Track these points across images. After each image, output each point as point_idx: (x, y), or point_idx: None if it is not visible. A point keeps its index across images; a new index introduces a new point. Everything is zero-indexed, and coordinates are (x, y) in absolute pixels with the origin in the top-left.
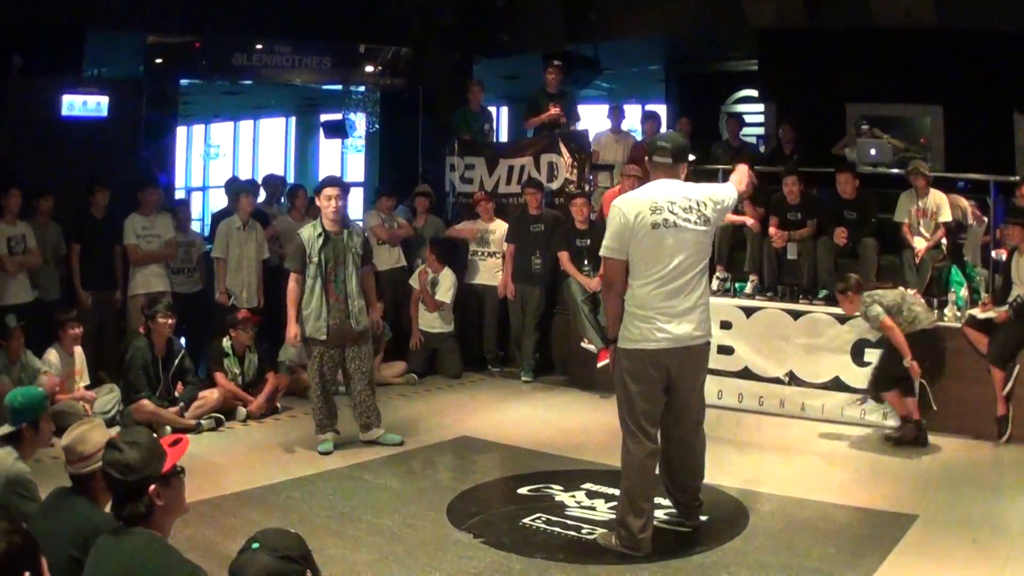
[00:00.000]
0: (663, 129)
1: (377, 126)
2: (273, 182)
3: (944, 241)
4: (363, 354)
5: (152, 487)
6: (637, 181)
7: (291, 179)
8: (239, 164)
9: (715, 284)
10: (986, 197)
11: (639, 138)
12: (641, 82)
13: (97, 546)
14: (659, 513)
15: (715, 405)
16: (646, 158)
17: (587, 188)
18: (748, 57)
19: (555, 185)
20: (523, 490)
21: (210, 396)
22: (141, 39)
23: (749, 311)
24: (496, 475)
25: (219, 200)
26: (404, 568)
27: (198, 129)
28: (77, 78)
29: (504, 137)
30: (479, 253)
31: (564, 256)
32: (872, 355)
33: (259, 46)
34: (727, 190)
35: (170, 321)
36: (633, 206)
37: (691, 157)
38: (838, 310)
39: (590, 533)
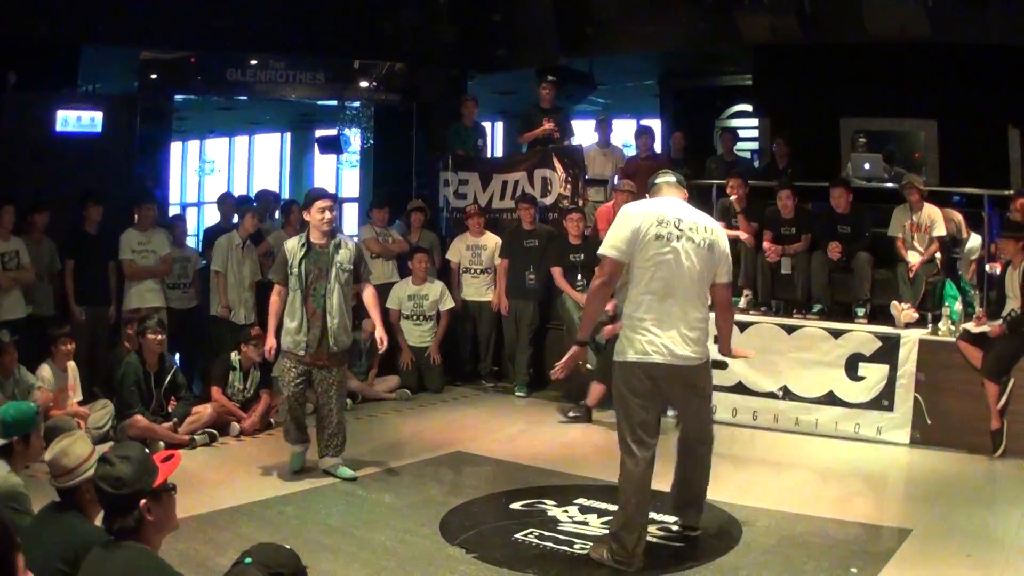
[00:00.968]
0: (657, 144)
1: (372, 141)
2: (266, 198)
3: (938, 255)
4: (333, 378)
5: (143, 501)
6: (631, 196)
7: (286, 195)
8: (234, 180)
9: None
10: (980, 211)
11: (632, 153)
12: (635, 97)
13: (88, 560)
14: (652, 528)
15: None
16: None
17: (580, 203)
18: (742, 72)
19: (549, 200)
20: (516, 505)
21: (203, 411)
22: (136, 55)
23: (743, 326)
24: (489, 490)
25: (214, 216)
26: None
27: (193, 145)
28: (72, 94)
29: (498, 152)
30: (471, 269)
31: (557, 272)
32: (866, 369)
33: (253, 62)
34: (726, 245)
35: (160, 337)
36: (643, 214)
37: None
38: (832, 324)
39: (583, 548)
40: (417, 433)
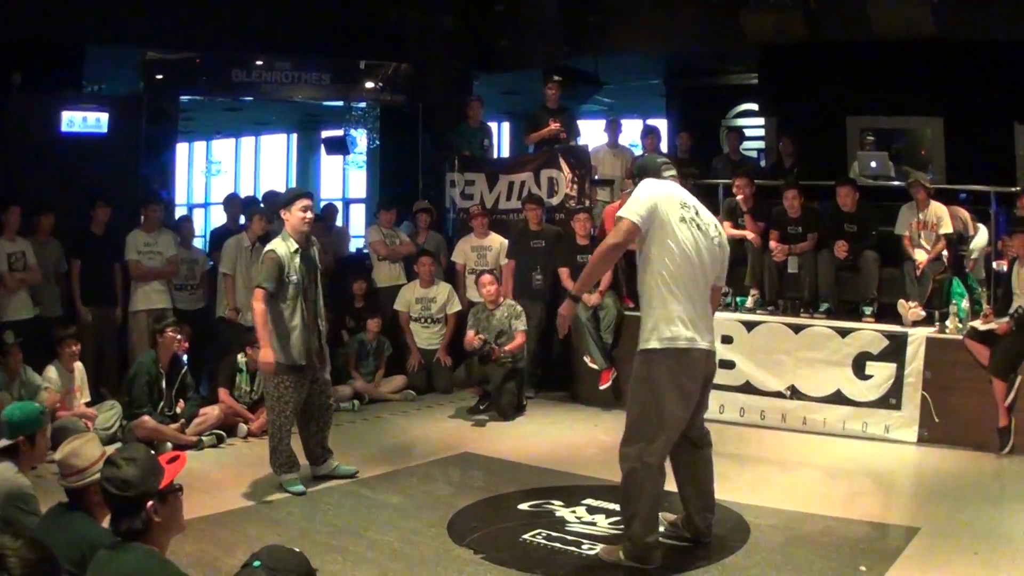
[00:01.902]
0: (663, 143)
1: (378, 142)
2: (273, 199)
3: (945, 253)
4: (326, 379)
5: (149, 503)
6: None
7: None
8: (240, 181)
9: None
10: (987, 208)
11: (638, 152)
12: (641, 96)
13: (95, 561)
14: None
15: (717, 420)
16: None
17: (587, 203)
18: (748, 71)
19: (555, 201)
20: (524, 506)
21: (211, 412)
22: (141, 55)
23: (750, 325)
24: (497, 491)
25: (221, 217)
26: None
27: (199, 146)
28: (77, 94)
29: (504, 153)
30: (477, 271)
31: (564, 272)
32: (873, 368)
33: (259, 62)
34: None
35: (179, 336)
36: (667, 194)
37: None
38: (839, 323)
39: (591, 549)
40: (424, 434)
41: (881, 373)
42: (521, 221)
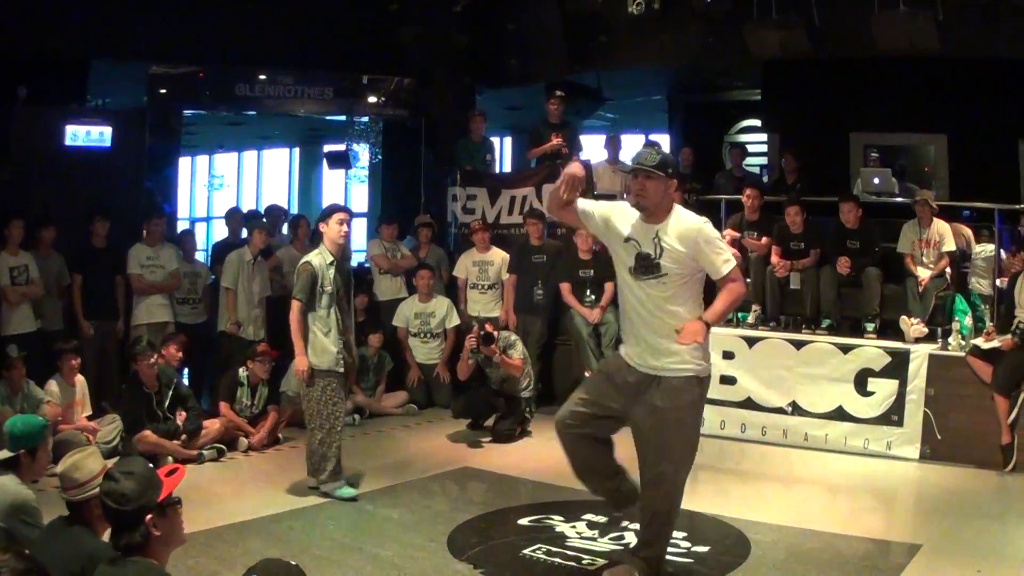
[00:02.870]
0: None
1: (380, 157)
2: (275, 213)
3: (948, 270)
4: (350, 389)
5: (149, 517)
6: None
7: (295, 210)
8: (243, 195)
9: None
10: (991, 225)
11: None
12: (644, 112)
13: (97, 574)
14: None
15: (718, 435)
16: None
17: None
18: (751, 87)
19: None
20: (524, 521)
21: (212, 426)
22: (144, 69)
23: (752, 341)
24: (496, 505)
25: (223, 231)
26: None
27: (202, 160)
28: (81, 108)
29: (507, 168)
30: (478, 285)
31: (565, 288)
32: (875, 384)
33: (262, 77)
34: None
35: (151, 359)
36: None
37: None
38: (841, 339)
39: (591, 564)
40: (424, 448)
41: (883, 390)
42: (522, 236)
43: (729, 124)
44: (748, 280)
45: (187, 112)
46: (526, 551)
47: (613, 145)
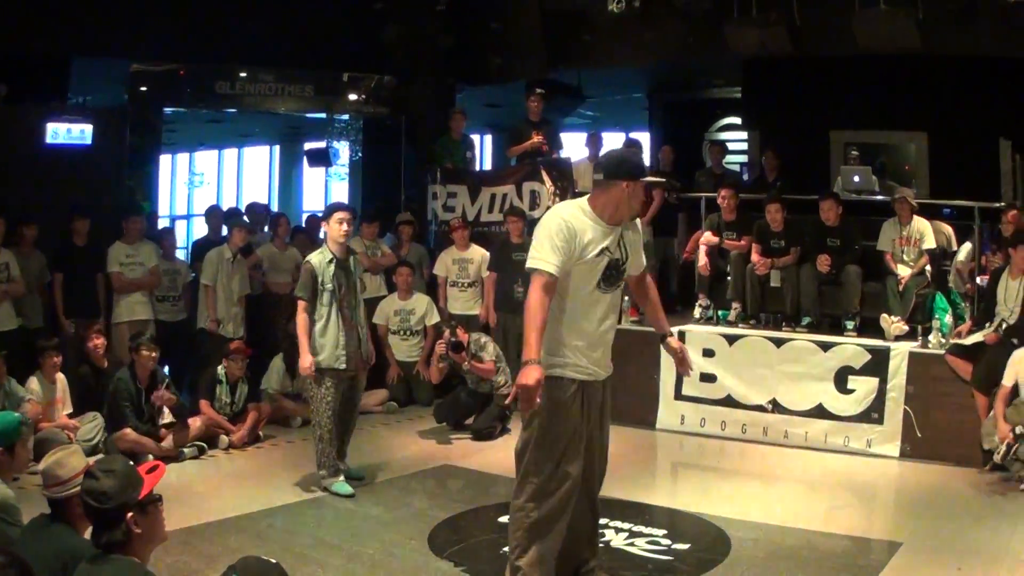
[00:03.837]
0: (646, 157)
1: (360, 154)
2: (255, 211)
3: (928, 268)
4: (362, 385)
5: (129, 514)
6: None
7: (275, 207)
8: (223, 192)
9: (697, 312)
10: (971, 223)
11: None
12: (624, 110)
13: (76, 574)
14: (640, 541)
15: (698, 433)
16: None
17: None
18: (732, 85)
19: (537, 213)
20: (504, 518)
21: (193, 424)
22: (126, 67)
23: (732, 339)
24: (477, 503)
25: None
26: None
27: (182, 157)
28: (62, 106)
29: (487, 165)
30: (458, 283)
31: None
32: (855, 382)
33: (243, 74)
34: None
35: (154, 354)
36: None
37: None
38: (821, 337)
39: None
40: (405, 446)
41: (863, 387)
42: (503, 234)
43: (709, 122)
44: (728, 278)
45: (168, 110)
46: (506, 549)
47: (594, 143)
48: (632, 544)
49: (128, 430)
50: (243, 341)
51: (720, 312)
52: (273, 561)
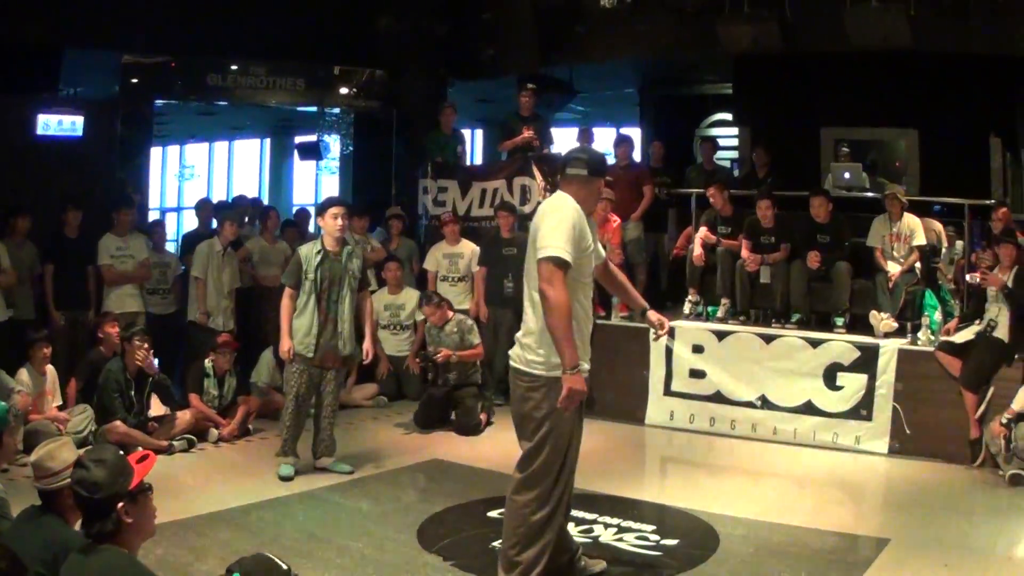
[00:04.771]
0: (636, 153)
1: (351, 148)
2: (242, 203)
3: (918, 265)
4: (338, 380)
5: (120, 504)
6: (609, 205)
7: (266, 200)
8: (214, 185)
9: (687, 308)
10: (961, 220)
11: (611, 161)
12: (615, 105)
13: (67, 565)
14: (629, 537)
15: (687, 429)
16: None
17: None
18: (723, 81)
19: (528, 208)
20: (493, 513)
21: (182, 417)
22: (117, 59)
23: (721, 335)
24: (466, 498)
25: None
26: None
27: (173, 150)
28: (53, 97)
29: (478, 160)
30: (448, 278)
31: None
32: (844, 379)
33: (234, 67)
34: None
35: (146, 345)
36: None
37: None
38: (810, 334)
39: None
40: (395, 440)
41: (852, 384)
42: (493, 228)
43: (700, 118)
44: (717, 274)
45: (159, 102)
46: (496, 543)
47: (586, 138)
48: (621, 539)
49: (118, 422)
50: (232, 335)
51: (710, 308)
52: (285, 567)
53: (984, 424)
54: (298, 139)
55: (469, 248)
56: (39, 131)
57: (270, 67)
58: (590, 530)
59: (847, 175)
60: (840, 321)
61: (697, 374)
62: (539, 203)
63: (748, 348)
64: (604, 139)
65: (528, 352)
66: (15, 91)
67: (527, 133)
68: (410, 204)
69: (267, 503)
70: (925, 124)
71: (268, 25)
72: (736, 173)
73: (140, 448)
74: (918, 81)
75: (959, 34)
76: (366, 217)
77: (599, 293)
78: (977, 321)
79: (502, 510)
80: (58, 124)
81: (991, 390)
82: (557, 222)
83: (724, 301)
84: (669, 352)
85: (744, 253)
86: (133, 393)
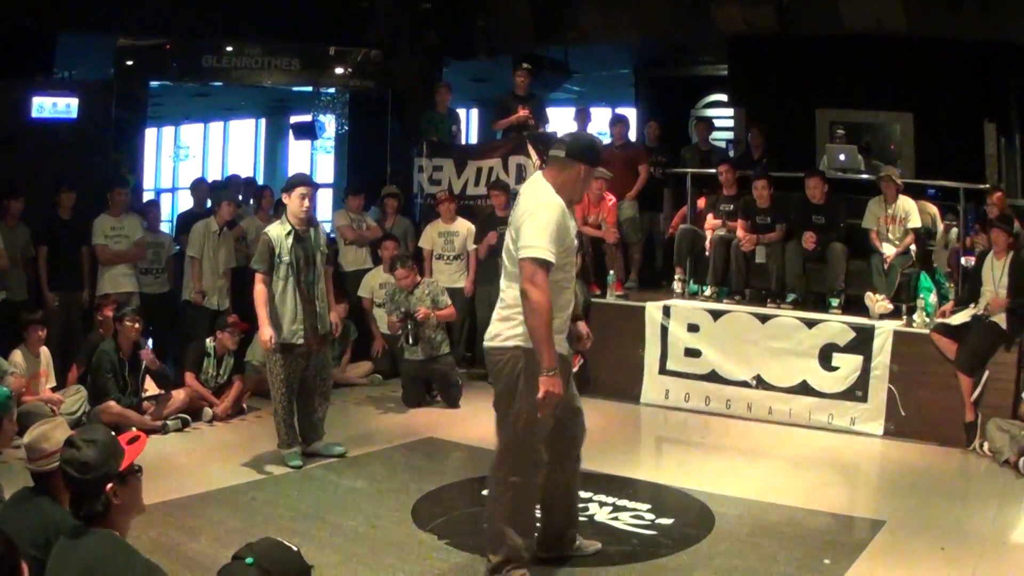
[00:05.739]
0: (632, 133)
1: (346, 127)
2: (236, 182)
3: (913, 247)
4: (326, 360)
5: (109, 485)
6: (605, 184)
7: (261, 180)
8: (208, 166)
9: (677, 287)
10: (955, 204)
11: (606, 141)
12: (610, 86)
13: (56, 548)
14: (625, 516)
15: (682, 408)
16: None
17: None
18: (718, 62)
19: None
20: (487, 491)
21: (176, 397)
22: (111, 41)
23: (716, 314)
24: (461, 476)
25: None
26: (368, 569)
27: (168, 131)
28: (47, 80)
29: (473, 139)
30: (444, 256)
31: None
32: (840, 359)
33: (229, 48)
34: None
35: (136, 325)
36: None
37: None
38: (806, 314)
39: None
40: (389, 419)
41: (847, 365)
42: (488, 207)
43: (696, 98)
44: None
45: (154, 83)
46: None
47: (582, 118)
48: (616, 518)
49: (111, 402)
50: (237, 315)
51: (701, 286)
52: (294, 549)
53: (979, 407)
54: (293, 119)
55: (465, 226)
56: (34, 114)
57: (265, 48)
58: (585, 508)
59: (843, 156)
60: (835, 302)
61: (692, 353)
62: None
63: (744, 328)
64: (600, 119)
65: (502, 325)
66: (10, 74)
67: (522, 112)
68: (405, 183)
69: (261, 482)
70: (920, 108)
71: (262, 5)
72: (731, 153)
73: (134, 428)
74: (914, 65)
75: (952, 19)
76: (361, 196)
77: (595, 272)
78: (972, 304)
79: None
80: (53, 107)
81: (986, 373)
82: (542, 222)
83: (711, 288)
84: (664, 331)
85: (740, 233)
86: (127, 373)
